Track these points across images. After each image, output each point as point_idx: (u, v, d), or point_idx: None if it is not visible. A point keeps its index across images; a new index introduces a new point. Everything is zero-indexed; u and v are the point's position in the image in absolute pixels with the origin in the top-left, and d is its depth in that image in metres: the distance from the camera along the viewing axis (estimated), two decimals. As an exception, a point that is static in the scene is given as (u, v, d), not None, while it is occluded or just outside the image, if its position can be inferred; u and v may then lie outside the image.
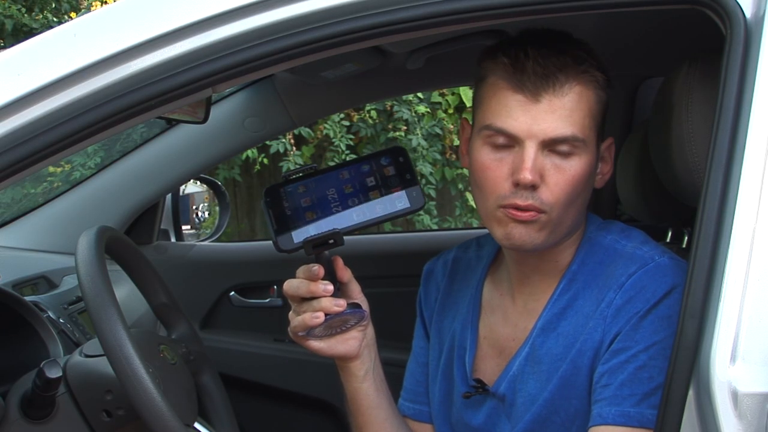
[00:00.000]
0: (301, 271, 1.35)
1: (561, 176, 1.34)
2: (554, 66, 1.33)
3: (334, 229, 1.31)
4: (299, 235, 1.33)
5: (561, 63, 1.33)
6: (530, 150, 1.32)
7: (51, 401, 1.44)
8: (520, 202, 1.33)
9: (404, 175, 1.35)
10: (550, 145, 1.33)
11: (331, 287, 1.33)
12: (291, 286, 1.35)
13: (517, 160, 1.33)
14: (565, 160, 1.34)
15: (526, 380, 1.42)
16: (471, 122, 1.44)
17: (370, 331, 1.44)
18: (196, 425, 1.50)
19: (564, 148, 1.33)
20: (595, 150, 1.38)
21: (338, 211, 1.34)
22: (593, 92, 1.36)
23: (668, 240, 1.79)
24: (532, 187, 1.32)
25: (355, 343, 1.41)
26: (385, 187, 1.35)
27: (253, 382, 2.66)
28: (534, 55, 1.33)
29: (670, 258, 1.36)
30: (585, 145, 1.35)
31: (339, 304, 1.34)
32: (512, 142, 1.34)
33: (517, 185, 1.32)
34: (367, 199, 1.34)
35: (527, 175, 1.31)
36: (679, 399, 1.13)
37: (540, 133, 1.32)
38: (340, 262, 1.38)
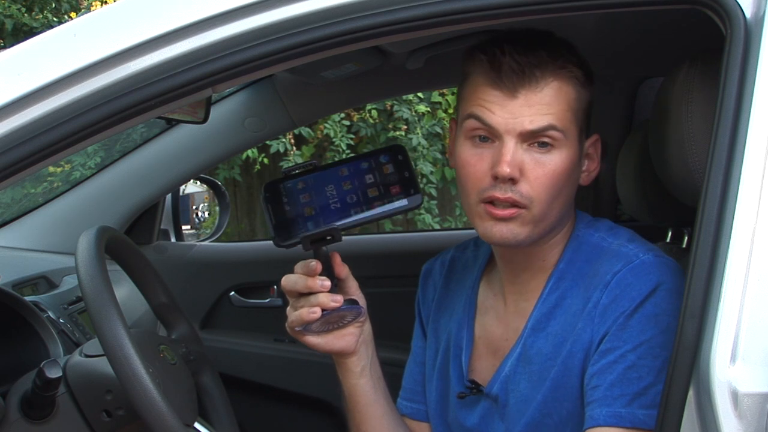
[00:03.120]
0: (299, 266, 1.36)
1: (541, 170, 1.34)
2: (530, 62, 1.34)
3: (332, 225, 1.31)
4: (297, 230, 1.34)
5: (537, 59, 1.34)
6: (509, 144, 1.33)
7: (51, 401, 1.44)
8: (499, 194, 1.33)
9: (403, 173, 1.36)
10: (528, 139, 1.34)
11: (328, 283, 1.34)
12: (289, 281, 1.36)
13: (496, 154, 1.34)
14: (544, 155, 1.35)
15: (518, 381, 1.42)
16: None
17: (368, 327, 1.44)
18: (196, 425, 1.50)
19: (543, 141, 1.34)
20: (578, 146, 1.39)
21: (337, 208, 1.35)
22: (572, 88, 1.37)
23: (668, 240, 1.79)
24: (512, 181, 1.33)
25: (352, 339, 1.42)
26: (383, 185, 1.36)
27: (253, 382, 2.66)
28: (510, 52, 1.34)
29: (654, 255, 1.36)
30: (565, 138, 1.35)
31: (336, 300, 1.34)
32: (492, 135, 1.35)
33: (497, 179, 1.34)
34: (366, 197, 1.35)
35: (505, 168, 1.32)
36: (679, 399, 1.13)
37: (518, 125, 1.33)
38: (338, 258, 1.38)
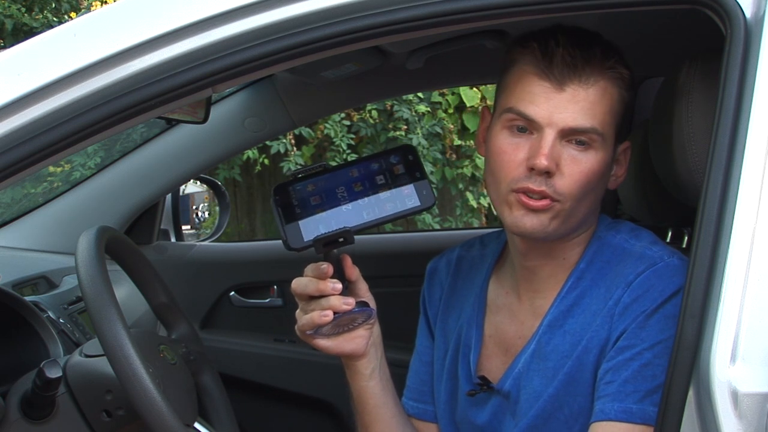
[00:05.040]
0: (310, 269, 1.35)
1: (576, 167, 1.34)
2: (582, 58, 1.34)
3: (344, 227, 1.31)
4: (309, 233, 1.33)
5: (589, 56, 1.34)
6: (549, 137, 1.33)
7: (51, 401, 1.44)
8: (534, 186, 1.33)
9: (414, 173, 1.35)
10: (568, 135, 1.34)
11: (339, 286, 1.33)
12: (299, 284, 1.35)
13: (534, 145, 1.34)
14: (581, 153, 1.35)
15: (531, 377, 1.42)
16: (491, 111, 1.45)
17: (377, 329, 1.44)
18: (196, 425, 1.50)
19: (582, 139, 1.34)
20: (612, 149, 1.39)
21: (348, 210, 1.33)
22: (617, 90, 1.37)
23: (668, 240, 1.79)
24: (547, 174, 1.33)
25: (363, 342, 1.41)
26: (395, 186, 1.35)
27: (253, 382, 2.66)
28: (564, 44, 1.34)
29: (679, 259, 1.36)
30: (603, 140, 1.36)
31: (348, 303, 1.34)
32: (531, 128, 1.35)
33: (532, 170, 1.33)
34: (377, 198, 1.34)
35: (543, 161, 1.31)
36: (679, 399, 1.13)
37: (560, 121, 1.33)
38: (348, 261, 1.38)
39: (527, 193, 1.34)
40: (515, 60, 1.39)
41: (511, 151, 1.36)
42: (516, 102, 1.36)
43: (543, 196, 1.33)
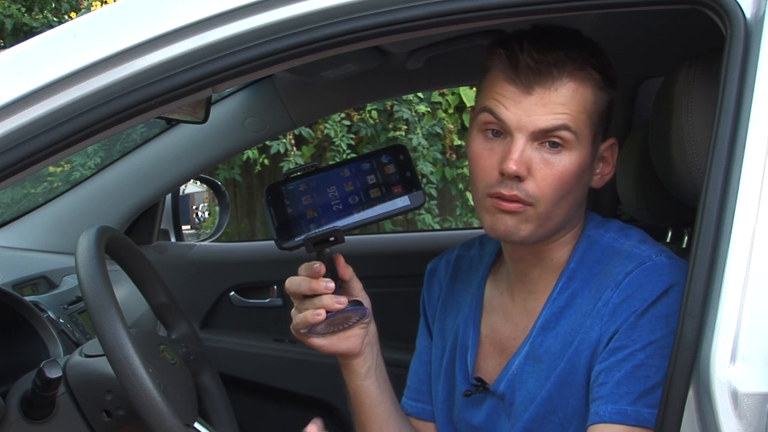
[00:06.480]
0: (303, 268, 1.36)
1: (549, 170, 1.34)
2: (547, 61, 1.33)
3: (334, 226, 1.32)
4: (300, 232, 1.34)
5: (555, 58, 1.34)
6: (518, 141, 1.33)
7: (51, 401, 1.44)
8: (505, 191, 1.34)
9: (405, 173, 1.36)
10: (539, 138, 1.34)
11: (332, 284, 1.34)
12: (293, 283, 1.36)
13: (505, 150, 1.34)
14: (554, 155, 1.34)
15: (525, 379, 1.42)
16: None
17: (373, 328, 1.44)
18: (196, 425, 1.50)
19: (555, 141, 1.34)
20: (590, 148, 1.38)
21: (339, 209, 1.35)
22: (590, 90, 1.36)
23: (668, 240, 1.79)
24: (518, 179, 1.33)
25: (357, 341, 1.42)
26: (385, 185, 1.36)
27: (253, 382, 2.67)
28: (529, 49, 1.34)
29: (667, 257, 1.36)
30: (577, 140, 1.35)
31: (340, 302, 1.34)
32: (504, 131, 1.35)
33: (503, 175, 1.33)
34: (368, 197, 1.35)
35: (512, 166, 1.32)
36: (679, 399, 1.13)
37: (529, 124, 1.33)
38: (341, 260, 1.38)
39: (501, 198, 1.35)
40: (488, 67, 1.40)
41: (486, 156, 1.36)
42: (489, 102, 1.37)
43: (514, 200, 1.34)
